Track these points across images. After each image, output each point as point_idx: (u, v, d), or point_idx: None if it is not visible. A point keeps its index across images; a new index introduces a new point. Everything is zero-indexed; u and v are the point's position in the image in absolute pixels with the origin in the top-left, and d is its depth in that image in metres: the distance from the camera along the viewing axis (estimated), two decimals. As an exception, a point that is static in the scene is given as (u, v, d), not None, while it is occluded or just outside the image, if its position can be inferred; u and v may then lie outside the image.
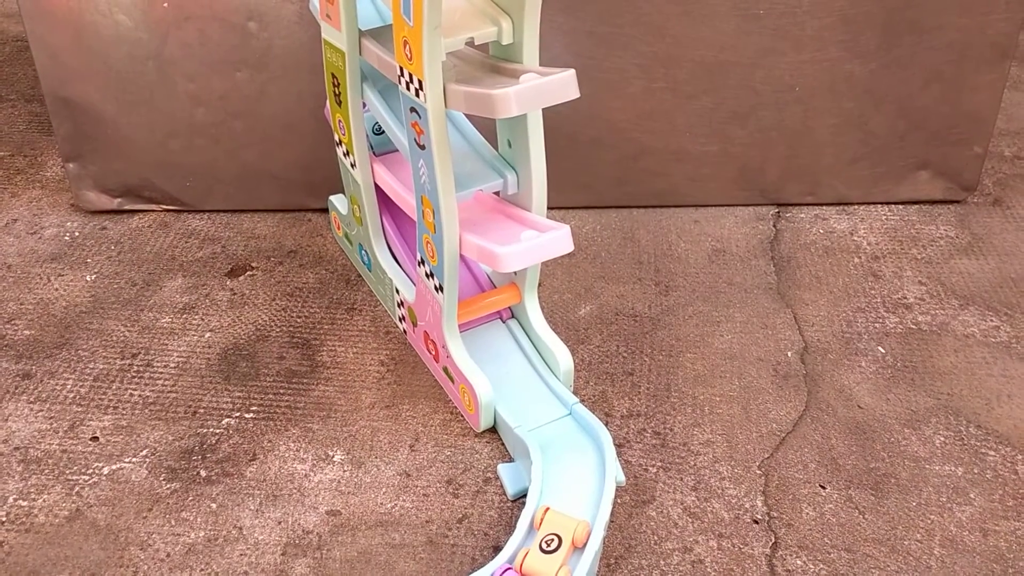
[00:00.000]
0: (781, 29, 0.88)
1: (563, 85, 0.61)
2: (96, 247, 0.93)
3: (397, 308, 0.83)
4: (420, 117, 0.64)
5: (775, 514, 0.69)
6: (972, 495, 0.70)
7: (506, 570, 0.60)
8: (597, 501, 0.64)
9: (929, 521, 0.68)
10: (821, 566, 0.65)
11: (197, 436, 0.74)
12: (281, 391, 0.78)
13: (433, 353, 0.77)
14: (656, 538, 0.67)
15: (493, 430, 0.74)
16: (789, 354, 0.81)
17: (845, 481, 0.71)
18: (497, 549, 0.66)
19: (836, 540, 0.67)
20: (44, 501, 0.69)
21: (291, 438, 0.74)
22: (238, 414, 0.76)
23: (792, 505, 0.69)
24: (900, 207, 0.98)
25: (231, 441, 0.74)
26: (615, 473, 0.66)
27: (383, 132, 0.80)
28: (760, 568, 0.65)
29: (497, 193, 0.72)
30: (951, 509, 0.69)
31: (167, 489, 0.70)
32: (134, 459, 0.73)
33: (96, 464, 0.72)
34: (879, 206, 0.98)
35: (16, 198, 1.00)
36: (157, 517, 0.68)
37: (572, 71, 0.61)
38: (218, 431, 0.75)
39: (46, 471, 0.71)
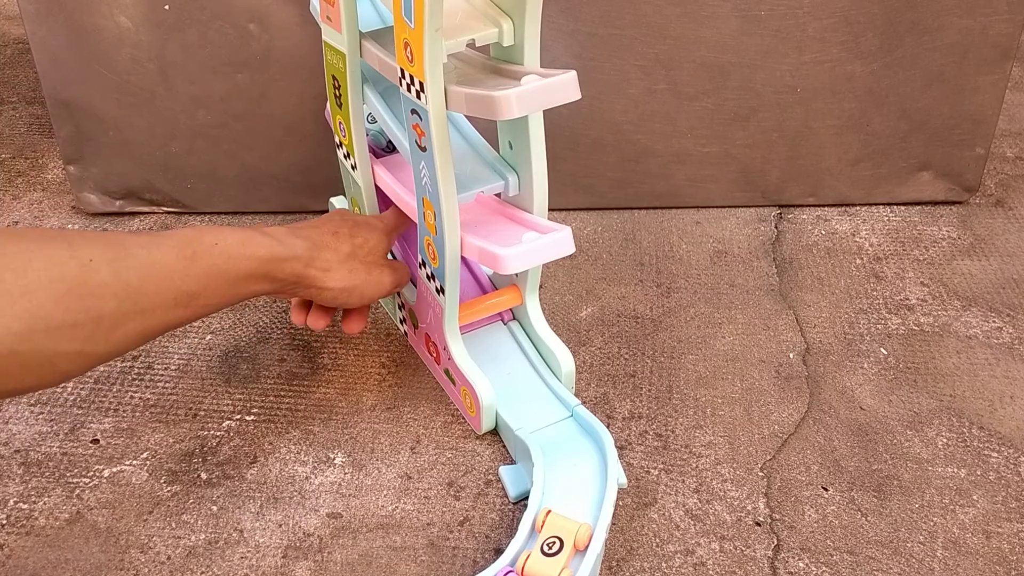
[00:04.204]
0: (782, 30, 0.88)
1: (564, 87, 0.61)
2: (97, 249, 0.93)
3: (398, 310, 0.82)
4: (421, 119, 0.64)
5: (777, 516, 0.68)
6: (975, 497, 0.70)
7: (508, 573, 0.60)
8: (599, 503, 0.64)
9: (932, 523, 0.68)
10: (823, 568, 0.65)
11: (198, 438, 0.74)
12: (282, 393, 0.78)
13: (434, 355, 0.77)
14: (658, 540, 0.67)
15: (494, 432, 0.74)
16: (791, 355, 0.81)
17: (847, 483, 0.71)
18: (498, 551, 0.66)
19: (839, 542, 0.67)
20: (45, 504, 0.69)
21: (292, 440, 0.74)
22: (239, 416, 0.76)
23: (794, 507, 0.69)
24: (902, 208, 0.98)
25: (232, 443, 0.74)
26: (617, 475, 0.66)
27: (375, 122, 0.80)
28: (762, 570, 0.65)
29: (498, 195, 0.72)
30: (954, 511, 0.69)
31: (168, 492, 0.70)
32: (135, 461, 0.73)
33: (97, 467, 0.72)
34: (881, 207, 0.98)
35: (17, 200, 1.00)
36: (158, 520, 0.68)
37: (573, 73, 0.61)
38: (219, 433, 0.75)
39: (46, 474, 0.71)
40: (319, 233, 0.70)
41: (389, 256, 0.83)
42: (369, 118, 0.81)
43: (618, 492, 0.67)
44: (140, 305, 0.59)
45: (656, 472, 0.72)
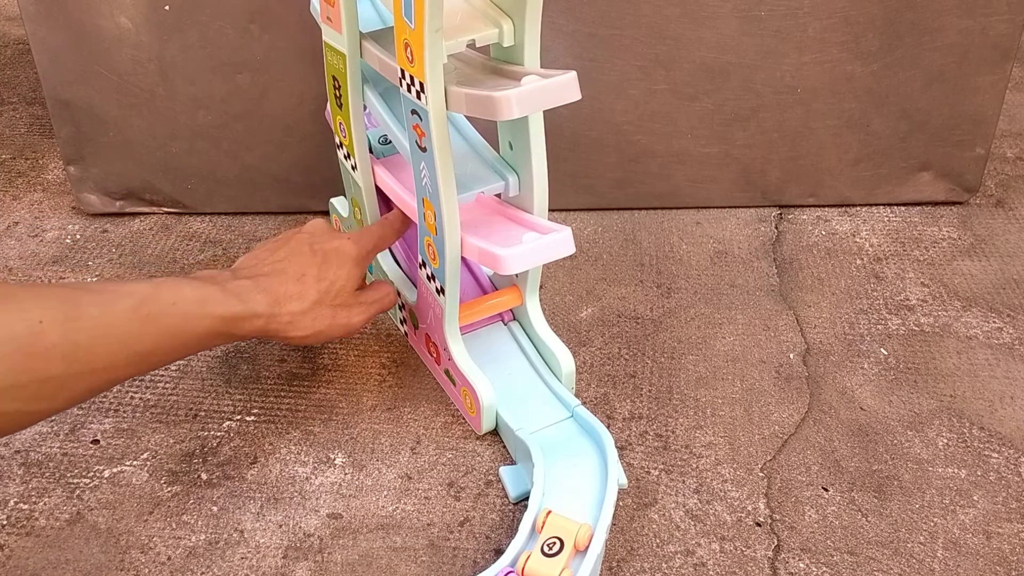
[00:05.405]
0: (783, 31, 0.88)
1: (564, 87, 0.61)
2: (97, 250, 0.93)
3: (398, 310, 0.82)
4: (421, 119, 0.64)
5: (777, 516, 0.68)
6: (975, 497, 0.70)
7: (508, 573, 0.60)
8: (599, 504, 0.64)
9: (932, 524, 0.68)
10: (824, 568, 0.65)
11: (198, 439, 0.74)
12: (282, 394, 0.78)
13: (434, 355, 0.77)
14: (658, 541, 0.67)
15: (495, 433, 0.74)
16: (791, 356, 0.81)
17: (848, 483, 0.71)
18: (499, 552, 0.66)
19: (839, 543, 0.67)
20: (45, 504, 0.69)
21: (292, 441, 0.74)
22: (239, 417, 0.76)
23: (795, 507, 0.69)
24: (902, 208, 0.98)
25: (232, 444, 0.74)
26: (617, 476, 0.66)
27: (389, 142, 0.80)
28: (763, 571, 0.65)
29: (498, 195, 0.72)
30: (954, 511, 0.69)
31: (168, 492, 0.70)
32: (135, 462, 0.73)
33: (97, 467, 0.72)
34: (881, 207, 0.98)
35: (17, 201, 1.00)
36: (158, 520, 0.68)
37: (573, 73, 0.61)
38: (219, 434, 0.75)
39: (47, 474, 0.71)
40: (282, 282, 0.67)
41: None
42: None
43: (618, 492, 0.67)
44: (90, 366, 0.57)
45: (656, 472, 0.71)
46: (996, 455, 0.73)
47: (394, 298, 0.75)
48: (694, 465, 0.72)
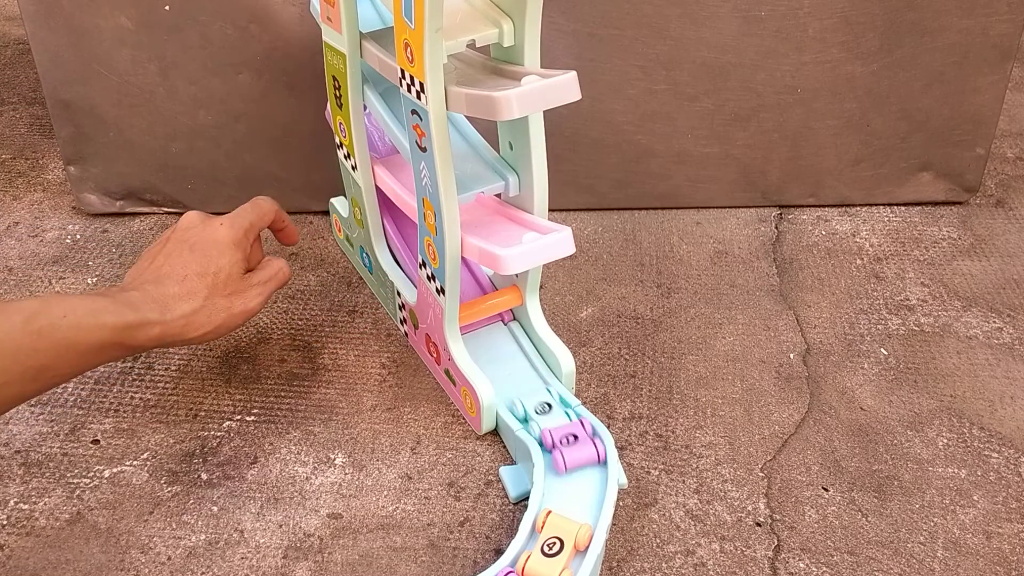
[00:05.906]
0: (783, 31, 0.88)
1: (564, 87, 0.61)
2: (97, 250, 0.93)
3: (398, 311, 0.82)
4: (421, 119, 0.64)
5: (777, 517, 0.68)
6: (975, 497, 0.70)
7: (508, 573, 0.60)
8: (599, 504, 0.64)
9: (932, 524, 0.68)
10: (824, 569, 0.65)
11: (198, 439, 0.74)
12: (282, 394, 0.78)
13: (435, 355, 0.77)
14: (658, 541, 0.67)
15: (495, 433, 0.74)
16: (791, 356, 0.81)
17: (848, 483, 0.71)
18: (499, 552, 0.66)
19: (839, 543, 0.67)
20: (45, 504, 0.69)
21: (292, 441, 0.74)
22: (239, 417, 0.76)
23: (795, 507, 0.69)
24: (902, 208, 0.98)
25: (232, 444, 0.74)
26: (617, 476, 0.66)
27: None
28: (763, 571, 0.65)
29: (498, 195, 0.72)
30: (954, 511, 0.69)
31: (168, 492, 0.70)
32: (135, 462, 0.73)
33: (97, 467, 0.72)
34: (881, 207, 0.98)
35: (18, 201, 1.00)
36: (158, 520, 0.68)
37: (574, 73, 0.61)
38: (219, 434, 0.75)
39: (47, 474, 0.71)
40: (167, 287, 0.67)
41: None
42: None
43: (618, 492, 0.67)
44: None
45: (656, 472, 0.71)
46: (996, 455, 0.73)
47: (287, 272, 0.74)
48: (694, 465, 0.72)
